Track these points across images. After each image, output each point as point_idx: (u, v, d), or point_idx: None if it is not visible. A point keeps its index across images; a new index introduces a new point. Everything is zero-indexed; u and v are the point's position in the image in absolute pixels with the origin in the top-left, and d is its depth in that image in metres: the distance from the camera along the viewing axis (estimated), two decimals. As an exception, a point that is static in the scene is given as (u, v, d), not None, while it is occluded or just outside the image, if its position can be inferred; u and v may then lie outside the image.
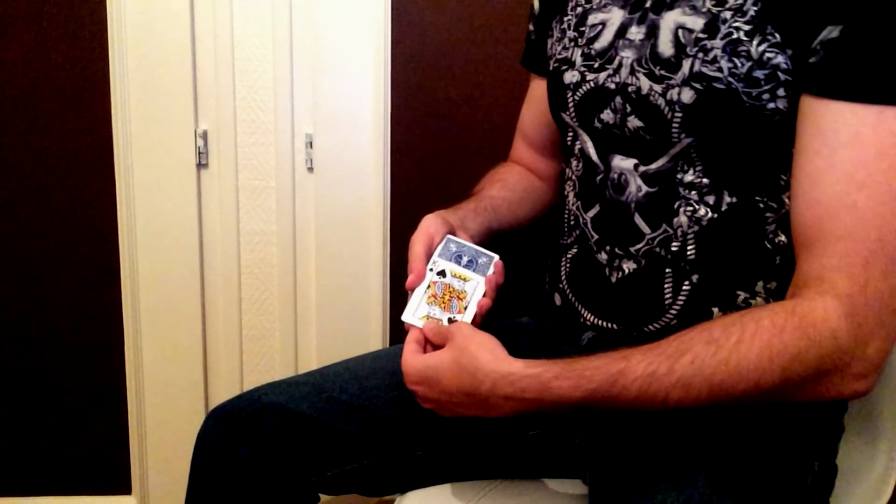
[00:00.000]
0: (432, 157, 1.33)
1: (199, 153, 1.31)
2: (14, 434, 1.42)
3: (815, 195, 0.69)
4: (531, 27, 1.03)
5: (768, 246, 0.79)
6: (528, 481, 0.96)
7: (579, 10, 0.89)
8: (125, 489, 1.45)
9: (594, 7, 0.87)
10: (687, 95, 0.76)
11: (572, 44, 0.88)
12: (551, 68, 0.92)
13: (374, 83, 1.28)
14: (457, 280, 0.84)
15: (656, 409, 0.69)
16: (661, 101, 0.78)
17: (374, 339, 1.38)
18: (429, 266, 0.84)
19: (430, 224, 0.87)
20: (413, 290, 0.83)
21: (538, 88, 1.03)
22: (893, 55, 0.66)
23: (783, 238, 0.78)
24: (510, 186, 1.03)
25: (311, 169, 1.32)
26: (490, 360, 0.73)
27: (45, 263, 1.35)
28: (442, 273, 0.84)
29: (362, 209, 1.33)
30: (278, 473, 0.89)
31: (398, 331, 0.80)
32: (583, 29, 0.87)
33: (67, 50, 1.27)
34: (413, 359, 0.78)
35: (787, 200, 0.77)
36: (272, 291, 1.38)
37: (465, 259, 0.85)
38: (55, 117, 1.30)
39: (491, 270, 0.85)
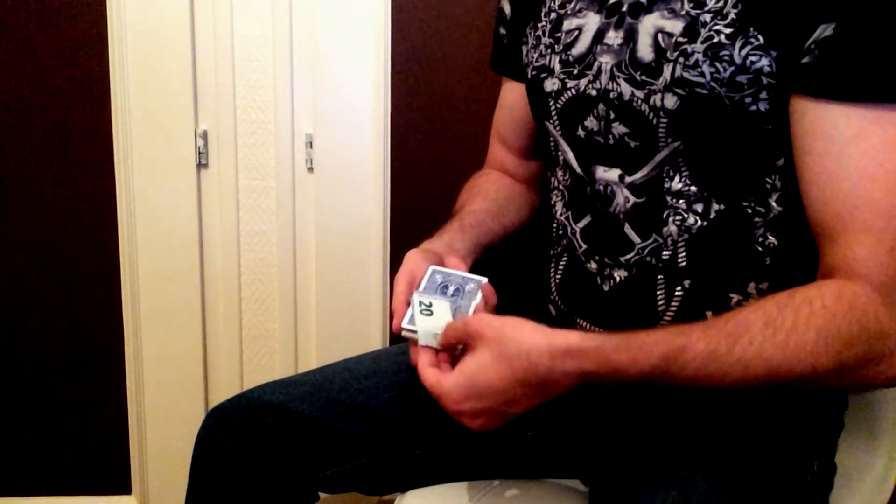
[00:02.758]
0: (432, 157, 1.33)
1: (199, 153, 1.31)
2: (14, 434, 1.42)
3: (829, 194, 0.69)
4: (502, 31, 1.00)
5: (759, 249, 0.78)
6: (528, 481, 0.96)
7: (553, 15, 0.88)
8: (125, 489, 1.45)
9: (569, 12, 0.86)
10: (671, 101, 0.75)
11: (549, 50, 0.87)
12: (530, 76, 0.90)
13: (374, 83, 1.28)
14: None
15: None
16: (644, 107, 0.77)
17: (374, 339, 1.38)
18: (415, 301, 0.79)
19: (409, 260, 0.83)
20: (399, 333, 0.78)
21: (510, 93, 1.02)
22: (889, 50, 0.66)
23: (773, 240, 0.78)
24: (491, 196, 1.00)
25: (311, 169, 1.32)
26: (538, 337, 0.67)
27: (45, 263, 1.35)
28: (428, 307, 0.79)
29: (362, 209, 1.33)
30: (278, 473, 0.89)
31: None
32: (559, 35, 0.86)
33: (67, 49, 1.28)
34: (442, 379, 0.70)
35: (774, 204, 0.77)
36: (272, 291, 1.38)
37: (451, 289, 0.81)
38: (55, 117, 1.30)
39: (478, 298, 0.80)
